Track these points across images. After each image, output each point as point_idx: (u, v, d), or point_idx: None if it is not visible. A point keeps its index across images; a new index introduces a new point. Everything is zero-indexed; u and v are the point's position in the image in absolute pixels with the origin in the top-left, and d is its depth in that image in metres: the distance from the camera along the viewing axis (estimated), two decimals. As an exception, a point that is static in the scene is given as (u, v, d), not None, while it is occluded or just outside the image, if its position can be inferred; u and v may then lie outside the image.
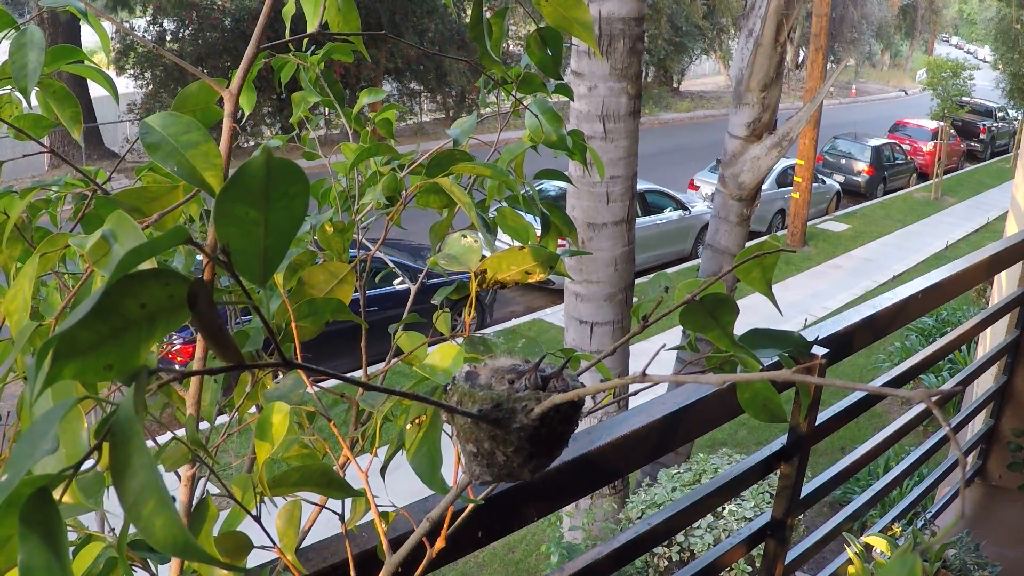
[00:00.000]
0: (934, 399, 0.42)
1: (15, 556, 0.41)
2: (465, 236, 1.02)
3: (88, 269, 0.80)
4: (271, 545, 0.85)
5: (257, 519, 0.81)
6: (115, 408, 0.42)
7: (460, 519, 0.94)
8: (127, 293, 0.42)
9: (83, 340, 0.41)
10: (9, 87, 1.09)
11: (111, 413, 0.42)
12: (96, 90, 16.00)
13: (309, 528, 1.03)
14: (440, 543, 0.86)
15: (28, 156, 1.35)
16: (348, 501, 0.92)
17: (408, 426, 0.78)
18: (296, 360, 0.55)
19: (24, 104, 1.06)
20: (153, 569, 0.84)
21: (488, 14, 1.11)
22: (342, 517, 0.93)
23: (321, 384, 0.95)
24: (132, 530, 0.50)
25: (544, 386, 0.76)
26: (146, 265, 0.45)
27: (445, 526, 0.88)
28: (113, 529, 0.85)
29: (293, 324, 0.86)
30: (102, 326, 0.41)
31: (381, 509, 0.91)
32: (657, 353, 0.85)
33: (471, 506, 0.92)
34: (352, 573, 0.92)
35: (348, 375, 0.62)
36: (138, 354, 0.42)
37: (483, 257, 1.01)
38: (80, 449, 0.49)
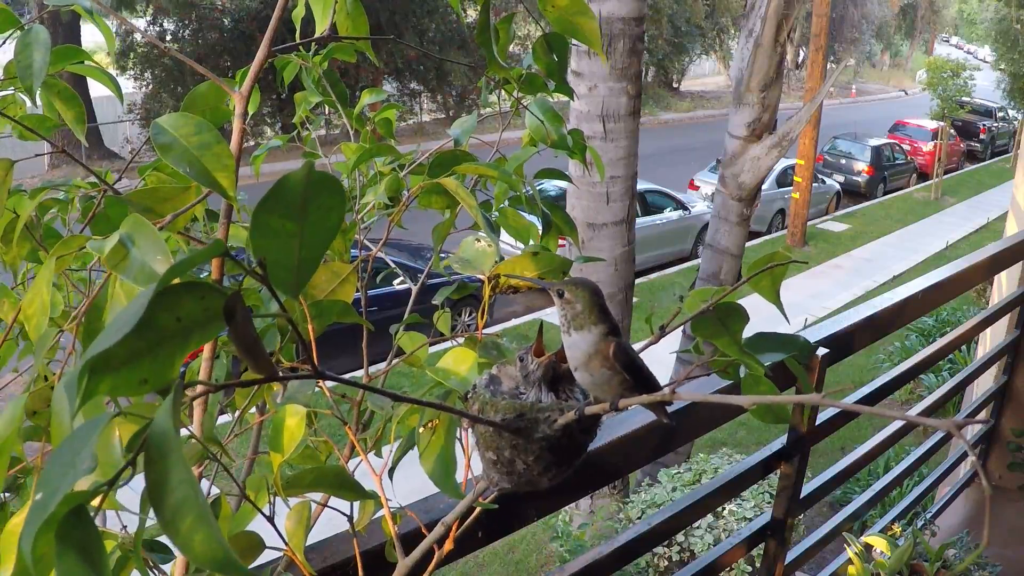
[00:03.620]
0: (962, 429, 0.43)
1: (47, 574, 0.41)
2: (479, 240, 1.02)
3: (106, 273, 0.80)
4: (276, 544, 0.85)
5: (270, 519, 0.81)
6: (149, 421, 0.42)
7: (467, 522, 0.94)
8: (164, 307, 0.41)
9: (118, 355, 0.40)
10: (13, 87, 1.09)
11: (145, 426, 0.42)
12: (96, 90, 15.97)
13: (311, 528, 1.03)
14: (449, 545, 0.87)
15: (30, 157, 1.35)
16: (356, 501, 0.92)
17: (420, 429, 0.78)
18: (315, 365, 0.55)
19: (27, 103, 1.06)
20: (157, 563, 0.84)
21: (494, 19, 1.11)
22: (351, 518, 0.93)
23: (322, 384, 0.95)
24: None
25: (553, 385, 0.76)
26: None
27: (454, 529, 0.88)
28: (125, 527, 0.86)
29: (310, 327, 0.86)
30: (138, 340, 0.40)
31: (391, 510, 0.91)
32: (690, 374, 0.85)
33: (478, 508, 0.93)
34: (360, 573, 0.92)
35: (377, 388, 0.62)
36: (173, 367, 0.42)
37: (496, 261, 1.01)
38: (113, 461, 0.49)
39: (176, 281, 0.41)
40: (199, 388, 0.53)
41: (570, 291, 0.78)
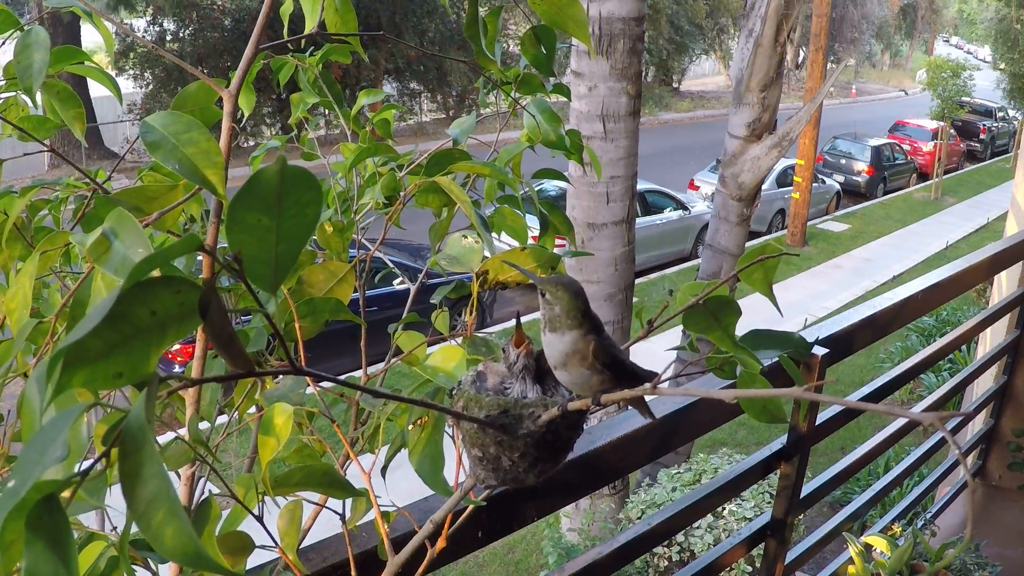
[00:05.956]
0: (943, 420, 0.42)
1: (13, 564, 0.41)
2: (466, 237, 1.02)
3: (89, 267, 0.80)
4: (270, 545, 0.85)
5: (260, 519, 0.81)
6: (124, 414, 0.42)
7: (460, 519, 0.94)
8: (138, 300, 0.41)
9: (93, 348, 0.40)
10: (15, 90, 1.09)
11: (120, 419, 0.42)
12: (96, 90, 15.99)
13: (309, 528, 1.03)
14: (441, 543, 0.86)
15: (28, 155, 1.35)
16: (348, 501, 0.92)
17: (410, 427, 0.78)
18: (301, 363, 0.54)
19: (30, 105, 1.06)
20: (154, 568, 0.84)
21: (484, 13, 1.11)
22: (343, 517, 0.93)
23: (320, 383, 0.95)
24: (133, 528, 0.50)
25: (539, 378, 0.75)
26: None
27: (446, 527, 0.88)
28: (116, 528, 0.85)
29: (297, 325, 0.86)
30: (112, 333, 0.40)
31: (382, 509, 0.91)
32: (684, 371, 0.85)
33: (471, 507, 0.92)
34: (353, 573, 0.92)
35: (359, 384, 0.61)
36: (148, 361, 0.42)
37: (484, 258, 1.01)
38: (81, 450, 0.49)
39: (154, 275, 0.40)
40: (175, 383, 0.53)
41: (550, 291, 0.77)
